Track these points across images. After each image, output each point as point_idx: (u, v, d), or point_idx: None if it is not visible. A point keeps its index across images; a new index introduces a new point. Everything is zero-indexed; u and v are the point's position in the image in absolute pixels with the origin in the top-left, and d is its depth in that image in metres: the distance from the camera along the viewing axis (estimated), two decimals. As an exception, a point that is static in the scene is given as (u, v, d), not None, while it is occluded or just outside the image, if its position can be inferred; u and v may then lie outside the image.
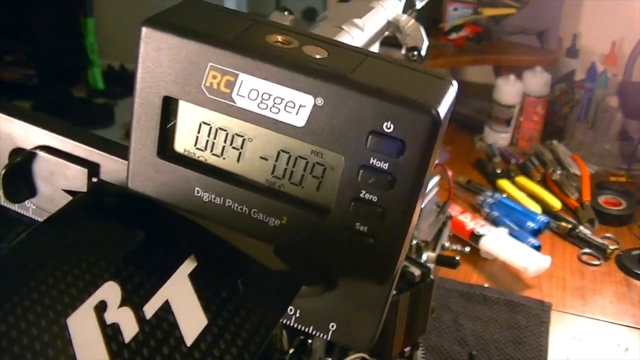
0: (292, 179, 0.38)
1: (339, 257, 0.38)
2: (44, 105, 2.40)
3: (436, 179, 1.04)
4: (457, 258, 0.87)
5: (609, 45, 1.94)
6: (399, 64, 0.37)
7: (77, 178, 0.44)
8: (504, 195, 1.64)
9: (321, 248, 0.38)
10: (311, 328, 0.44)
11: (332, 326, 0.44)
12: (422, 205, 0.98)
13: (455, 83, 0.37)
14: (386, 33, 0.68)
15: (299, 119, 0.35)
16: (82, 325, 0.34)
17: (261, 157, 0.38)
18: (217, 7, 0.39)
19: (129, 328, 0.34)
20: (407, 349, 0.76)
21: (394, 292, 0.68)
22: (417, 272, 0.70)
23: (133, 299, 0.36)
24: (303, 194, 0.38)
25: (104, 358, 0.33)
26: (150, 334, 0.34)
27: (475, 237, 1.46)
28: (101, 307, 0.35)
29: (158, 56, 0.36)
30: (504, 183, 1.71)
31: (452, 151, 1.88)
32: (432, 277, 0.72)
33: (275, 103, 0.35)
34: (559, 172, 1.74)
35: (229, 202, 0.39)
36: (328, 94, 0.34)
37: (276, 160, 0.38)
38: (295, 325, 0.44)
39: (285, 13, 0.63)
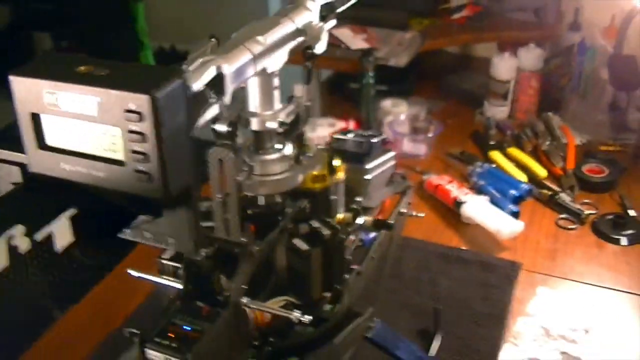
0: (106, 146, 0.59)
1: (140, 192, 0.59)
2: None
3: (391, 154, 1.17)
4: (392, 222, 1.01)
5: (610, 18, 2.00)
6: (146, 67, 0.65)
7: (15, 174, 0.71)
8: (494, 166, 1.75)
9: (127, 188, 0.60)
10: (162, 244, 0.67)
11: (171, 240, 0.67)
12: (370, 177, 1.12)
13: (185, 75, 0.60)
14: (299, 38, 0.82)
15: (95, 111, 0.57)
16: None
17: (90, 137, 0.59)
18: (59, 55, 0.63)
19: (25, 247, 0.59)
20: (327, 294, 0.90)
21: (308, 247, 0.83)
22: (326, 232, 0.85)
23: (31, 232, 0.60)
24: (112, 155, 0.59)
25: (5, 263, 0.58)
26: (37, 249, 0.59)
27: (458, 204, 1.58)
28: (11, 237, 0.59)
29: (23, 88, 0.58)
30: (495, 154, 1.81)
31: (453, 124, 1.99)
32: (342, 236, 0.86)
33: (82, 103, 0.56)
34: (548, 142, 1.83)
35: (79, 168, 0.60)
36: (101, 92, 0.56)
37: (99, 137, 0.59)
38: (153, 244, 0.68)
39: (212, 40, 0.76)
